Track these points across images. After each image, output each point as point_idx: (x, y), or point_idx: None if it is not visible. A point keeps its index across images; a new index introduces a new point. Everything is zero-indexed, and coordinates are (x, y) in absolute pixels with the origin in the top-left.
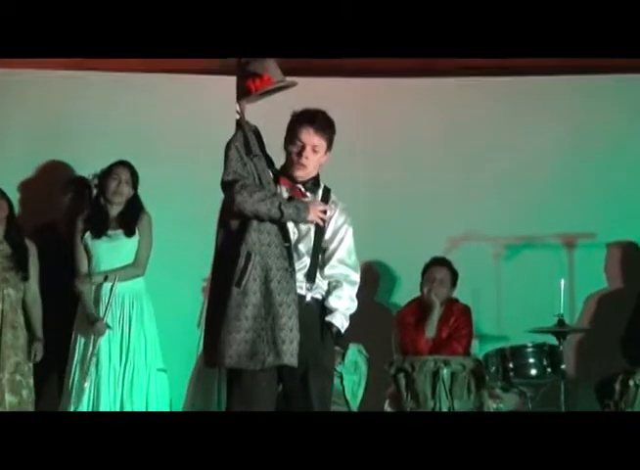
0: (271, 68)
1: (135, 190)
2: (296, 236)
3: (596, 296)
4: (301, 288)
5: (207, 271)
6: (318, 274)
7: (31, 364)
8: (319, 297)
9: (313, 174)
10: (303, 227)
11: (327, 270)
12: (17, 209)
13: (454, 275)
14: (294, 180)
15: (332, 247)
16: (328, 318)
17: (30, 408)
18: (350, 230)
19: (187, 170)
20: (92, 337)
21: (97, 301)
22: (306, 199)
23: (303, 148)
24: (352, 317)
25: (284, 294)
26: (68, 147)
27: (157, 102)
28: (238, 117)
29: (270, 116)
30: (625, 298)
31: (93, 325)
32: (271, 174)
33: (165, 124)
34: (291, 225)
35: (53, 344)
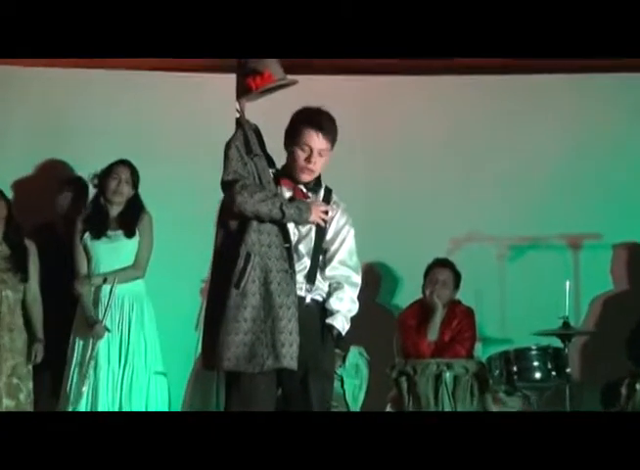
0: (272, 65)
1: (136, 190)
2: (296, 237)
3: (602, 298)
4: (301, 289)
5: (206, 273)
6: (318, 276)
7: (31, 367)
8: (319, 298)
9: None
10: (304, 228)
11: (328, 272)
12: (16, 208)
13: (457, 277)
14: (298, 183)
15: (333, 248)
16: (328, 320)
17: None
18: (352, 231)
19: (186, 170)
20: (91, 340)
21: (96, 303)
22: (308, 200)
23: (311, 153)
24: (353, 319)
25: (284, 296)
26: (68, 145)
27: (156, 100)
28: (238, 115)
29: (270, 114)
30: (632, 300)
31: (92, 328)
32: (271, 174)
33: (164, 123)
34: (291, 226)
35: (51, 346)
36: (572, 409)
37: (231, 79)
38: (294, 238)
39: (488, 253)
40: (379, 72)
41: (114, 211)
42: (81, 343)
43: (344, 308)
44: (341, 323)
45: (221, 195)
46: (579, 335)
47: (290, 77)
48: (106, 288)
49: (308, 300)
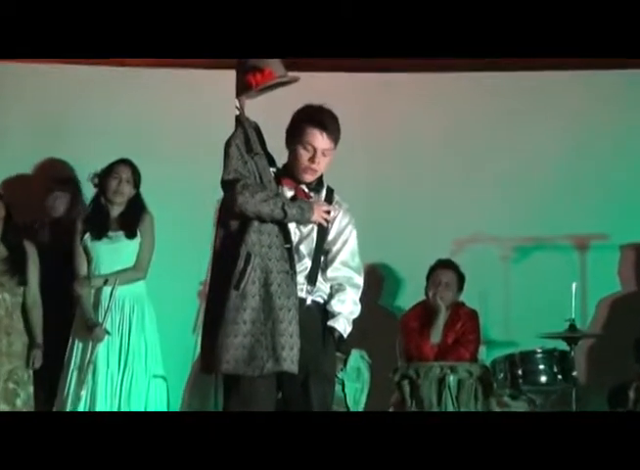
0: (273, 62)
1: (137, 189)
2: (297, 237)
3: (609, 299)
4: (302, 291)
5: (204, 274)
6: (320, 277)
7: (31, 372)
8: (320, 300)
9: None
10: (305, 228)
11: (329, 273)
12: (15, 208)
13: (461, 278)
14: (301, 183)
15: (335, 248)
16: (330, 323)
17: None
18: (354, 232)
19: (184, 168)
20: (90, 343)
21: (96, 305)
22: (310, 200)
23: (315, 152)
24: (355, 322)
25: (284, 297)
26: (67, 143)
27: (154, 96)
28: (237, 113)
29: (270, 112)
30: None
31: (91, 330)
32: (272, 174)
33: (162, 120)
34: (292, 226)
35: (51, 350)
36: None
37: (231, 76)
38: (295, 238)
39: (493, 254)
40: (380, 70)
41: (115, 211)
42: (80, 346)
43: (346, 311)
44: (342, 326)
45: (220, 194)
46: (586, 338)
47: (290, 74)
48: (106, 290)
49: (309, 301)
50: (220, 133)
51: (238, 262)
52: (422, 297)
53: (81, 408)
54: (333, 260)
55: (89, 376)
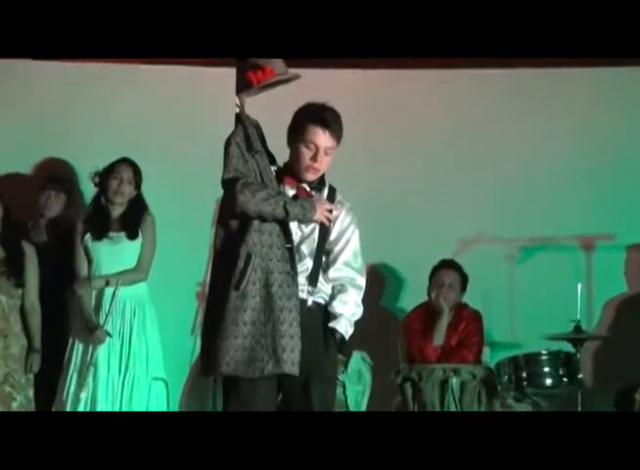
0: (274, 59)
1: (138, 190)
2: (298, 237)
3: (615, 301)
4: (303, 291)
5: (203, 275)
6: (321, 278)
7: (31, 375)
8: (321, 301)
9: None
10: (307, 228)
11: (331, 273)
12: (14, 208)
13: (464, 279)
14: (303, 181)
15: (337, 249)
16: (332, 324)
17: None
18: (357, 232)
19: (184, 167)
20: (90, 345)
21: (97, 307)
22: (311, 198)
23: (317, 151)
24: (356, 323)
25: (285, 298)
26: (66, 142)
27: (152, 93)
28: (238, 110)
29: (270, 109)
30: None
31: (92, 333)
32: (273, 172)
33: (160, 117)
34: (294, 226)
35: (49, 352)
36: None
37: (231, 74)
38: (296, 238)
39: (497, 254)
40: (384, 67)
41: (116, 211)
42: (80, 348)
43: (348, 312)
44: (344, 327)
45: (220, 193)
46: (592, 339)
47: (292, 72)
48: (107, 291)
49: (310, 302)
50: (220, 131)
51: (238, 263)
52: (424, 298)
53: (81, 410)
54: (335, 261)
55: (90, 379)
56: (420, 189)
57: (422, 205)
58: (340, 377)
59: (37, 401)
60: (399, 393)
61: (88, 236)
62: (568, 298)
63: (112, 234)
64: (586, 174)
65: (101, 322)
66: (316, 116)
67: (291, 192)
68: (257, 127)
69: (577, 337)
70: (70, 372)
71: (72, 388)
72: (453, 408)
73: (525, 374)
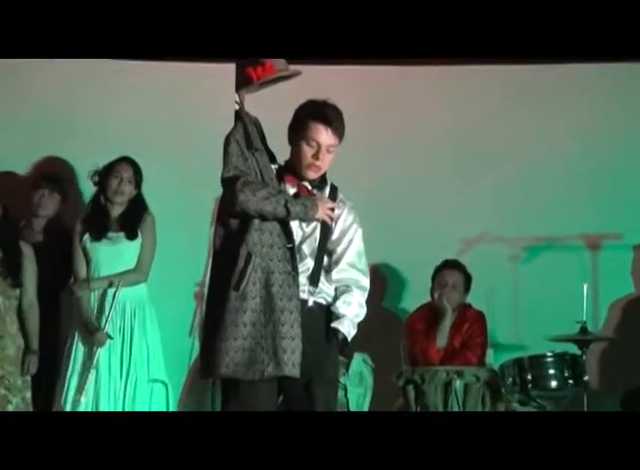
0: None
1: (138, 189)
2: (299, 236)
3: (622, 301)
4: (304, 292)
5: (201, 275)
6: (322, 278)
7: (28, 377)
8: (323, 301)
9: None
10: (308, 227)
11: (336, 274)
12: (12, 208)
13: (467, 279)
14: (304, 180)
15: (340, 248)
16: (334, 324)
17: None
18: (360, 231)
19: (182, 165)
20: (90, 347)
21: (96, 308)
22: (313, 197)
23: (319, 149)
24: (358, 324)
25: (286, 299)
26: (64, 140)
27: (151, 89)
28: (237, 107)
29: (270, 106)
30: None
31: (93, 335)
32: (274, 170)
33: (158, 114)
34: (295, 225)
35: (46, 353)
36: None
37: (230, 70)
38: (297, 238)
39: (501, 254)
40: (385, 63)
41: (116, 211)
42: (79, 350)
43: (352, 313)
44: (347, 328)
45: (219, 192)
46: (598, 341)
47: (292, 68)
48: (106, 292)
49: (311, 303)
50: (219, 128)
51: (238, 263)
52: (427, 298)
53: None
54: (338, 261)
55: (90, 381)
56: (422, 188)
57: (424, 204)
58: (341, 379)
59: (35, 403)
60: (402, 395)
61: (87, 236)
62: (573, 298)
63: (111, 234)
64: (593, 173)
65: (101, 324)
66: (318, 113)
67: (292, 190)
68: (257, 125)
69: (583, 338)
70: (69, 374)
71: (72, 390)
72: (457, 411)
73: (529, 376)
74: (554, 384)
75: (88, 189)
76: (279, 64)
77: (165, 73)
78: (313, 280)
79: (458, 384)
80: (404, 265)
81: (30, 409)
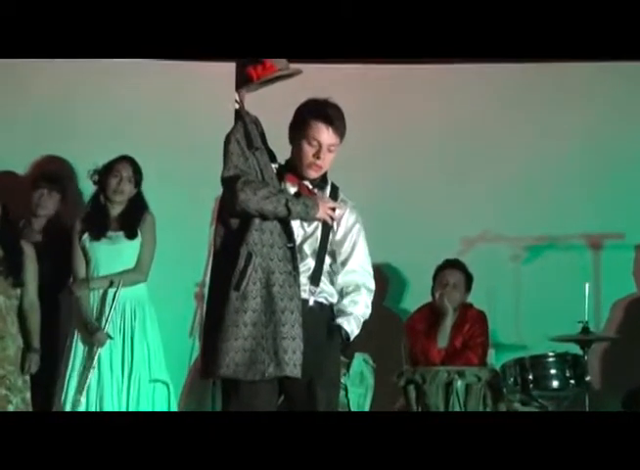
0: None
1: (138, 188)
2: (300, 236)
3: (624, 301)
4: (305, 291)
5: (201, 275)
6: (326, 279)
7: (27, 377)
8: (324, 301)
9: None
10: (309, 227)
11: (344, 276)
12: (12, 208)
13: (468, 279)
14: (305, 179)
15: (345, 250)
16: (339, 321)
17: None
18: (362, 231)
19: (182, 165)
20: (89, 347)
21: (96, 308)
22: (314, 196)
23: (320, 148)
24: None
25: (287, 299)
26: (63, 139)
27: (150, 88)
28: (237, 106)
29: (270, 105)
30: None
31: (93, 335)
32: (274, 169)
33: (158, 112)
34: (295, 225)
35: (46, 352)
36: None
37: (230, 68)
38: (298, 237)
39: (502, 253)
40: (386, 62)
41: (115, 210)
42: (79, 350)
43: (359, 312)
44: (351, 326)
45: (219, 191)
46: (600, 341)
47: (293, 67)
48: (106, 292)
49: (311, 302)
50: (219, 128)
51: (238, 262)
52: (428, 298)
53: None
54: (346, 262)
55: (92, 381)
56: (423, 187)
57: (425, 203)
58: (341, 380)
59: (34, 402)
60: (402, 395)
61: (86, 236)
62: (575, 298)
63: (110, 233)
64: (595, 172)
65: (101, 324)
66: (319, 112)
67: (292, 190)
68: (257, 124)
69: (585, 338)
70: (69, 374)
71: (71, 389)
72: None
73: (531, 376)
74: (555, 384)
75: (88, 188)
76: (279, 63)
77: (165, 73)
78: (314, 280)
79: (459, 384)
80: (405, 265)
81: (30, 409)
